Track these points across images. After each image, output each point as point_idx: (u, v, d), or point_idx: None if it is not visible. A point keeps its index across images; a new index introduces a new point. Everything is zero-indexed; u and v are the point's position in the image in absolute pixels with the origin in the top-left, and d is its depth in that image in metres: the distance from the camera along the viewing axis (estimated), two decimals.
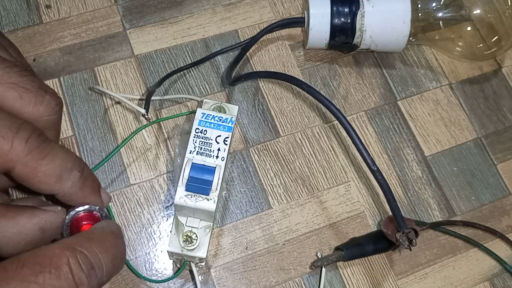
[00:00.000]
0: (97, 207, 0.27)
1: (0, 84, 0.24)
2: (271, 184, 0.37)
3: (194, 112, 0.33)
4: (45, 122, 0.26)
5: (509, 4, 0.39)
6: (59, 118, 0.27)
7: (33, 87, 0.25)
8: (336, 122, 0.39)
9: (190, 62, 0.40)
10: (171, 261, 0.35)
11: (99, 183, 0.28)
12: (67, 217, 0.26)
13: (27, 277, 0.19)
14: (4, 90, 0.24)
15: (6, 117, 0.24)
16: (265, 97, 0.40)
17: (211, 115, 0.32)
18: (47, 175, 0.24)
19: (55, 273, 0.19)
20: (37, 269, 0.19)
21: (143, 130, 0.37)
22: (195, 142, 0.32)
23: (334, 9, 0.39)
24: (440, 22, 0.40)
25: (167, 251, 0.32)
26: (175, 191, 0.31)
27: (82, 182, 0.26)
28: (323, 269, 0.35)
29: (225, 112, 0.34)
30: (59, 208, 0.26)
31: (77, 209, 0.26)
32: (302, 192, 0.37)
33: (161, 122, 0.38)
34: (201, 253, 0.31)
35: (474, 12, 0.40)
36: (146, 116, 0.35)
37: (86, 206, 0.26)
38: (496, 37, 0.40)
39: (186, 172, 0.30)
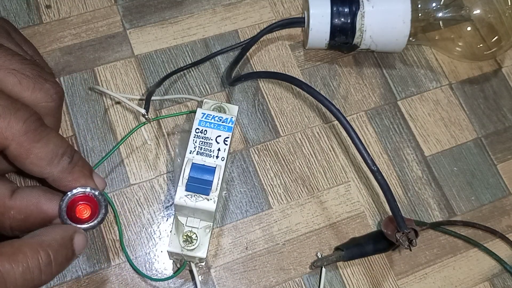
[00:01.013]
0: (90, 188, 0.27)
1: (1, 70, 0.26)
2: (271, 184, 0.37)
3: (194, 112, 0.33)
4: (43, 108, 0.27)
5: (509, 4, 0.39)
6: (58, 105, 0.28)
7: (32, 74, 0.27)
8: (336, 122, 0.39)
9: (190, 62, 0.40)
10: (171, 261, 0.35)
11: (91, 168, 0.29)
12: (61, 202, 0.27)
13: None
14: (4, 75, 0.26)
15: (6, 98, 0.25)
16: (265, 97, 0.40)
17: (211, 115, 0.32)
18: (39, 158, 0.26)
19: None
20: None
21: (143, 130, 0.37)
22: (195, 142, 0.32)
23: (334, 9, 0.39)
24: (440, 22, 0.40)
25: (167, 251, 0.32)
26: (175, 191, 0.31)
27: (72, 168, 0.27)
28: (323, 269, 0.35)
29: (225, 112, 0.34)
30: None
31: (69, 193, 0.27)
32: (302, 192, 0.37)
33: (161, 122, 0.38)
34: (201, 253, 0.31)
35: (474, 12, 0.40)
36: (146, 116, 0.35)
37: (79, 189, 0.27)
38: (496, 37, 0.40)
39: (186, 172, 0.30)
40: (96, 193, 0.28)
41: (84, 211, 0.27)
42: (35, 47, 0.31)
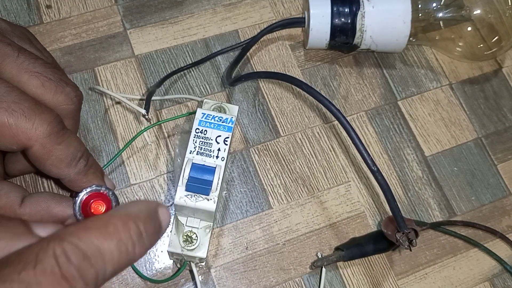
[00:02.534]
0: (103, 186, 0.29)
1: (25, 72, 0.27)
2: (271, 184, 0.37)
3: (194, 112, 0.33)
4: (63, 111, 0.28)
5: (510, 4, 0.39)
6: (77, 108, 0.29)
7: (55, 78, 0.28)
8: (336, 122, 0.39)
9: (190, 62, 0.40)
10: (171, 261, 0.35)
11: (103, 172, 0.31)
12: (76, 199, 0.28)
13: (10, 276, 0.16)
14: (28, 77, 0.27)
15: (30, 99, 0.26)
16: (265, 97, 0.40)
17: (211, 115, 0.32)
18: (59, 159, 0.27)
19: (40, 268, 0.16)
20: (20, 267, 0.17)
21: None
22: (195, 142, 0.32)
23: (335, 9, 0.39)
24: (441, 22, 0.40)
25: (167, 251, 0.32)
26: (175, 191, 0.31)
27: (87, 170, 0.29)
28: (323, 269, 0.35)
29: (225, 112, 0.34)
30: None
31: (84, 190, 0.28)
32: (302, 192, 0.37)
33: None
34: (201, 253, 0.31)
35: (475, 12, 0.40)
36: (147, 117, 0.35)
37: (93, 186, 0.29)
38: (496, 37, 0.40)
39: (186, 172, 0.30)
40: (110, 192, 0.29)
41: (99, 207, 0.28)
42: (52, 56, 0.32)
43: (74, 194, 0.29)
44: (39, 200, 0.28)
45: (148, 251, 0.22)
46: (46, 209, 0.28)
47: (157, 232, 0.22)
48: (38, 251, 0.17)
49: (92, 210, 0.28)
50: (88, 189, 0.28)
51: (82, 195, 0.28)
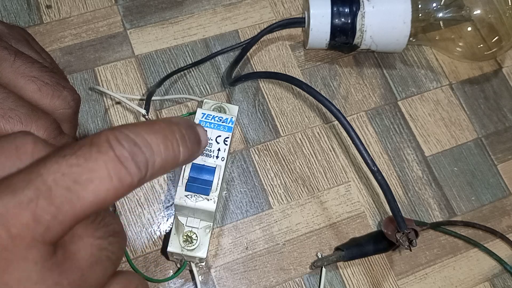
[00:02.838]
0: None
1: (22, 77, 0.26)
2: (271, 184, 0.37)
3: (194, 112, 0.33)
4: (61, 115, 0.28)
5: (510, 4, 0.39)
6: (75, 112, 0.29)
7: (51, 82, 0.27)
8: (336, 122, 0.39)
9: (190, 62, 0.40)
10: (171, 261, 0.35)
11: None
12: None
13: (69, 149, 0.18)
14: (25, 82, 0.26)
15: (27, 105, 0.26)
16: (266, 97, 0.40)
17: (211, 115, 0.32)
18: None
19: (95, 149, 0.18)
20: (77, 147, 0.18)
21: None
22: None
23: (335, 9, 0.39)
24: (441, 23, 0.40)
25: (167, 251, 0.32)
26: (175, 191, 0.31)
27: None
28: (323, 269, 0.35)
29: (225, 112, 0.34)
30: None
31: None
32: (303, 192, 0.37)
33: None
34: (201, 253, 0.31)
35: (475, 13, 0.40)
36: (147, 117, 0.35)
37: None
38: (496, 38, 0.40)
39: (186, 172, 0.30)
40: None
41: None
42: (51, 57, 0.32)
43: None
44: None
45: (192, 159, 0.23)
46: None
47: (197, 142, 0.23)
48: (92, 137, 0.18)
49: None
50: None
51: None
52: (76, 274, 0.18)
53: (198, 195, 0.30)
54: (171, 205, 0.36)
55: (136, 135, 0.19)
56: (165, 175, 0.37)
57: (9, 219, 0.16)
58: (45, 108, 0.27)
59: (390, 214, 0.31)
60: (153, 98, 0.37)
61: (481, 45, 0.41)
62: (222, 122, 0.32)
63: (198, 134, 0.24)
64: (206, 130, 0.26)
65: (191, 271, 0.34)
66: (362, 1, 0.38)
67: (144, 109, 0.36)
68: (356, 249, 0.35)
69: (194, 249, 0.31)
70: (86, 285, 0.18)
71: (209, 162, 0.31)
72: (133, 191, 0.36)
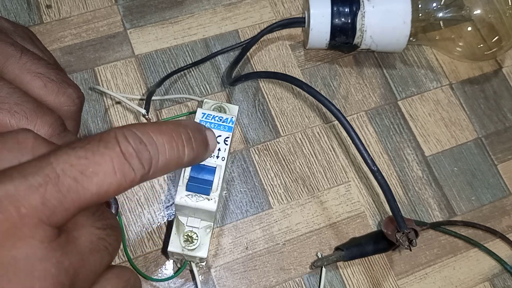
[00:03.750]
0: None
1: (28, 73, 0.27)
2: (272, 184, 0.37)
3: (194, 112, 0.33)
4: (65, 112, 0.28)
5: (510, 4, 0.39)
6: (79, 110, 0.29)
7: (57, 79, 0.28)
8: (337, 122, 0.39)
9: (190, 62, 0.40)
10: (171, 261, 0.35)
11: None
12: None
13: (78, 144, 0.19)
14: (31, 78, 0.27)
15: (32, 101, 0.26)
16: (266, 97, 0.40)
17: (211, 115, 0.32)
18: None
19: (103, 144, 0.19)
20: (86, 142, 0.19)
21: None
22: None
23: (335, 9, 0.39)
24: (441, 22, 0.40)
25: (168, 251, 0.32)
26: (176, 191, 0.31)
27: None
28: (323, 269, 0.35)
29: (225, 112, 0.34)
30: None
31: None
32: (303, 192, 0.37)
33: None
34: (202, 253, 0.31)
35: (475, 12, 0.40)
36: (147, 117, 0.35)
37: None
38: (496, 37, 0.40)
39: (186, 172, 0.30)
40: (113, 202, 0.29)
41: None
42: (53, 56, 0.32)
43: None
44: None
45: (197, 161, 0.24)
46: None
47: (205, 145, 0.24)
48: (101, 133, 0.20)
49: None
50: None
51: None
52: (76, 257, 0.19)
53: (198, 195, 0.30)
54: (171, 205, 0.36)
55: (143, 133, 0.20)
56: (165, 175, 0.37)
57: (20, 200, 0.17)
58: (50, 105, 0.27)
59: (390, 214, 0.31)
60: (153, 98, 0.37)
61: (481, 45, 0.41)
62: (222, 122, 0.32)
63: (206, 137, 0.25)
64: (215, 135, 0.27)
65: (191, 271, 0.34)
66: (362, 1, 0.38)
67: (144, 109, 0.36)
68: (356, 249, 0.35)
69: (194, 248, 0.31)
70: (85, 269, 0.19)
71: (210, 162, 0.31)
72: (133, 191, 0.36)
